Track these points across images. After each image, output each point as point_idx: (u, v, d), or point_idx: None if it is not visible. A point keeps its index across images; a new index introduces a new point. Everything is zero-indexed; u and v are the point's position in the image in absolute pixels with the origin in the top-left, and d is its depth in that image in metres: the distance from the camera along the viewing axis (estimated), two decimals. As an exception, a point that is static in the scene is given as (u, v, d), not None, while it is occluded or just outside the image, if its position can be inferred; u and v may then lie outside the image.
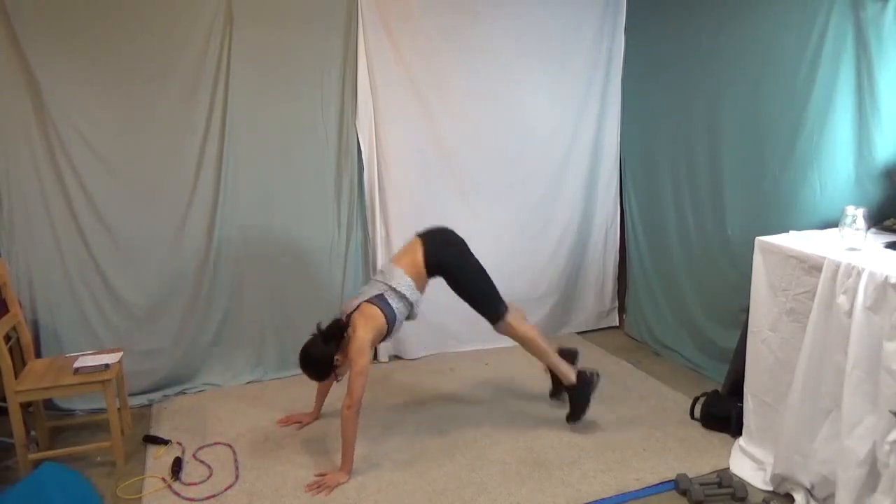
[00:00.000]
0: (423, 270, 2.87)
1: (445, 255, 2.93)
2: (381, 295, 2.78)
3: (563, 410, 3.14)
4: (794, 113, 2.87)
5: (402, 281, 2.81)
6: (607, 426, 3.03)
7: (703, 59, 3.39)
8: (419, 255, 2.88)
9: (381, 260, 3.74)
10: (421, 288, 2.91)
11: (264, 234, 3.50)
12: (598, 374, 3.05)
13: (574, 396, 3.03)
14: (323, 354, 2.68)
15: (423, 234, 2.99)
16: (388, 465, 2.76)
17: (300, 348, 2.72)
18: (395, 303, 2.78)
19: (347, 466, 2.66)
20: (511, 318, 2.95)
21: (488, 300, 2.94)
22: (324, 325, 2.72)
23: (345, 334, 2.71)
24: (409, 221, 3.70)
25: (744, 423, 2.74)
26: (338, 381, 2.88)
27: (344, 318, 2.77)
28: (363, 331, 2.67)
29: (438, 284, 3.05)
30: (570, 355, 3.13)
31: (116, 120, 3.16)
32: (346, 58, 3.47)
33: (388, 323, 2.76)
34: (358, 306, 2.76)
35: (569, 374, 3.00)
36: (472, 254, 2.97)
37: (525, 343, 3.02)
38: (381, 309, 2.74)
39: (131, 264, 3.30)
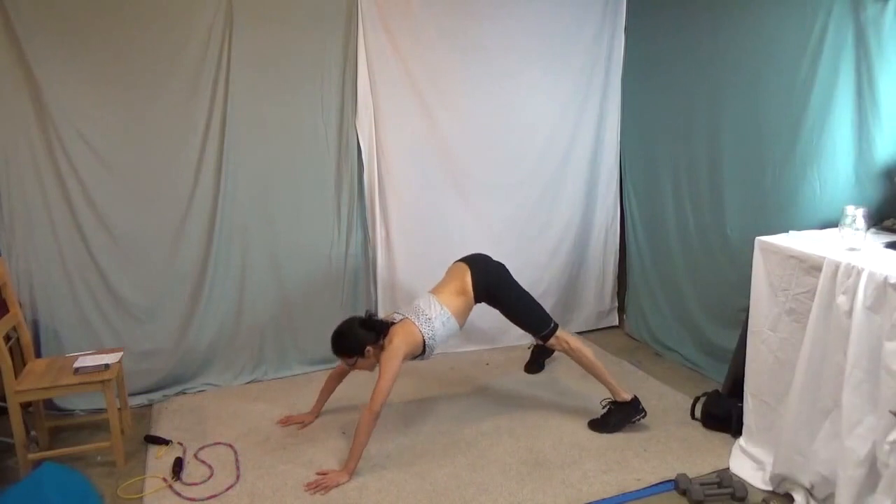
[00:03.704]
0: (471, 296, 2.96)
1: (494, 282, 3.03)
2: (424, 318, 2.85)
3: (563, 410, 3.15)
4: (794, 113, 2.87)
5: (438, 312, 2.87)
6: (607, 426, 3.03)
7: (702, 59, 3.39)
8: (467, 280, 2.96)
9: (381, 260, 3.74)
10: (465, 313, 2.99)
11: (264, 233, 3.50)
12: (645, 413, 3.00)
13: (616, 412, 2.99)
14: (356, 334, 2.77)
15: (467, 261, 3.07)
16: (388, 465, 2.76)
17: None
18: (433, 329, 2.84)
19: (352, 466, 2.65)
20: (562, 332, 3.02)
21: (538, 319, 3.02)
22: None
23: (385, 333, 2.79)
24: (409, 221, 3.72)
25: (744, 423, 2.74)
26: (351, 368, 2.88)
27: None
28: (399, 341, 2.75)
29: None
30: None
31: (116, 120, 3.15)
32: (346, 58, 3.47)
33: (423, 344, 2.83)
34: (401, 320, 2.85)
35: (622, 393, 2.98)
36: (513, 277, 3.08)
37: (576, 355, 3.02)
38: (419, 329, 2.81)
39: (131, 264, 3.30)
